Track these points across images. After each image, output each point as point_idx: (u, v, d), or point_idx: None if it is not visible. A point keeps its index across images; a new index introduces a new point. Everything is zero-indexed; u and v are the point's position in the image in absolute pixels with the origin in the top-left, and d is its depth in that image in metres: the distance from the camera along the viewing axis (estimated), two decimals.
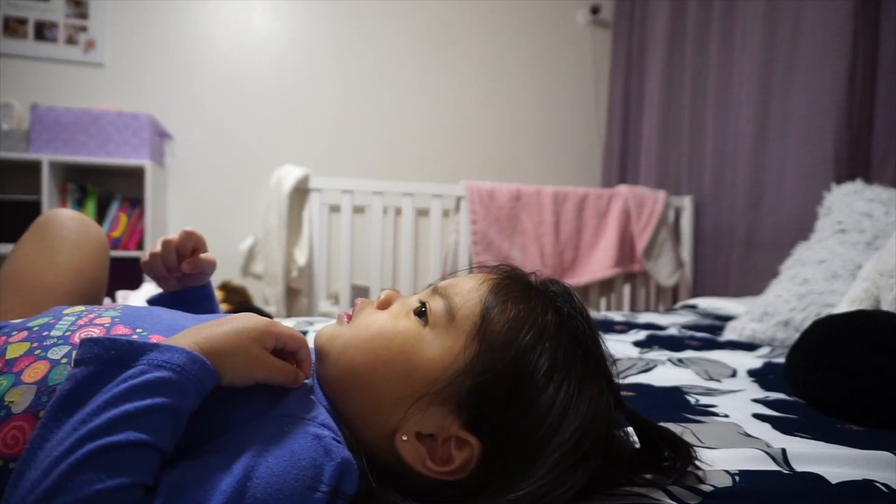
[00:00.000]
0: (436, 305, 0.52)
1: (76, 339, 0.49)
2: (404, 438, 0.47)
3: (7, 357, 0.48)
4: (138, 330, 0.52)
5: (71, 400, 0.38)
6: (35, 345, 0.49)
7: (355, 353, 0.51)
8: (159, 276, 0.72)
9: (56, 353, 0.48)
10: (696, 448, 0.55)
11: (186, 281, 0.74)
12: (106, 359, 0.40)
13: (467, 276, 0.57)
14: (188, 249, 0.72)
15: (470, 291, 0.52)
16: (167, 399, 0.39)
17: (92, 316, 0.53)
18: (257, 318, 0.48)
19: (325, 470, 0.41)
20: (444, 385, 0.47)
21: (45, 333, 0.50)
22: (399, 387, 0.49)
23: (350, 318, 0.55)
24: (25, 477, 0.34)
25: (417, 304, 0.53)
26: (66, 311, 0.55)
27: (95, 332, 0.50)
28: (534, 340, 0.48)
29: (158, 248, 0.70)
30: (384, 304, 0.55)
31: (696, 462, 0.54)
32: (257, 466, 0.39)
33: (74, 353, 0.47)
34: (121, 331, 0.51)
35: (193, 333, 0.45)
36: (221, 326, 0.46)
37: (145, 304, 0.74)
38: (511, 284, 0.53)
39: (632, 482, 0.52)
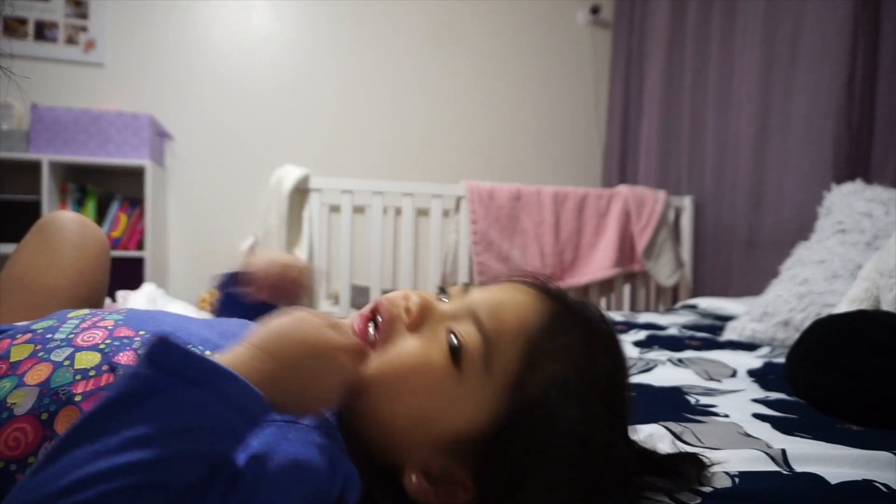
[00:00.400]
0: (472, 343, 0.46)
1: (79, 341, 0.49)
2: (413, 479, 0.46)
3: (11, 360, 0.47)
4: (141, 332, 0.51)
5: (126, 403, 0.33)
6: (38, 347, 0.48)
7: (378, 389, 0.46)
8: (259, 287, 0.72)
9: (59, 356, 0.47)
10: (704, 456, 0.55)
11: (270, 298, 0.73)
12: (173, 369, 0.34)
13: (511, 298, 0.50)
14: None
15: (514, 332, 0.47)
16: (223, 447, 0.35)
17: (95, 319, 0.53)
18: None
19: (328, 481, 0.40)
20: (461, 441, 0.46)
21: (49, 336, 0.50)
22: (416, 430, 0.46)
23: (363, 334, 0.49)
24: (46, 469, 0.31)
25: (451, 329, 0.47)
26: (70, 315, 0.54)
27: (99, 335, 0.50)
28: (570, 410, 0.45)
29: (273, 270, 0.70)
30: (416, 324, 0.48)
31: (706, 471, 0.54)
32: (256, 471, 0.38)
33: (77, 354, 0.47)
34: (123, 332, 0.51)
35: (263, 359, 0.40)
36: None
37: (146, 305, 0.74)
38: (559, 327, 0.48)
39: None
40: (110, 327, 0.51)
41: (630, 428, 0.52)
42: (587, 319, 0.51)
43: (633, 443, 0.53)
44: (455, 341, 0.46)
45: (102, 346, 0.48)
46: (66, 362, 0.46)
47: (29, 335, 0.50)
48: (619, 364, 0.51)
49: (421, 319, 0.49)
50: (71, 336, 0.50)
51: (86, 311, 0.56)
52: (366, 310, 0.51)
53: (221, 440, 0.35)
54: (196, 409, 0.34)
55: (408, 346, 0.47)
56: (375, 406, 0.46)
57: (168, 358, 0.34)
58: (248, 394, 0.36)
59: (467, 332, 0.47)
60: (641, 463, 0.52)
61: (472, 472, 0.46)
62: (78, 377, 0.45)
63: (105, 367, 0.46)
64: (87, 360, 0.47)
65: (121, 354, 0.48)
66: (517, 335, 0.47)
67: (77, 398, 0.44)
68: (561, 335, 0.48)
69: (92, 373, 0.46)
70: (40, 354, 0.47)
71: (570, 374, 0.46)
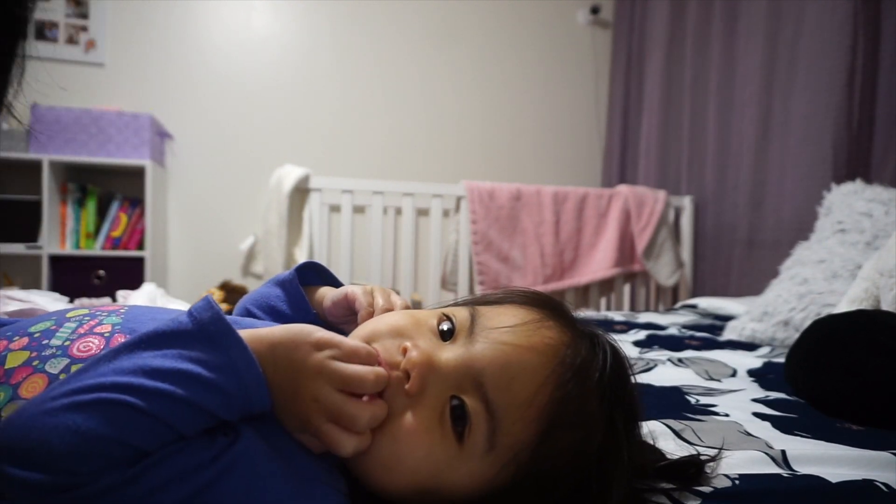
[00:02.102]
0: (477, 422, 0.43)
1: (75, 351, 0.48)
2: None
3: (6, 366, 0.46)
4: None
5: (155, 339, 0.38)
6: (34, 354, 0.47)
7: (375, 459, 0.43)
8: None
9: (54, 367, 0.46)
10: (704, 456, 0.55)
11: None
12: (203, 326, 0.39)
13: (520, 360, 0.44)
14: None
15: (522, 408, 0.43)
16: (213, 407, 0.38)
17: (93, 323, 0.52)
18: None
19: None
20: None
21: (45, 342, 0.49)
22: (416, 496, 0.44)
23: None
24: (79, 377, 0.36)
25: (454, 402, 0.43)
26: (69, 315, 0.53)
27: (95, 342, 0.49)
28: (580, 467, 0.44)
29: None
30: (416, 392, 0.43)
31: (706, 470, 0.54)
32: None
33: (73, 366, 0.46)
34: (119, 341, 0.49)
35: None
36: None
37: (147, 304, 0.73)
38: (574, 392, 0.44)
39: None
40: (107, 334, 0.50)
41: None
42: (605, 368, 0.47)
43: (645, 448, 0.53)
44: (458, 418, 0.43)
45: None
46: (62, 375, 0.46)
47: (26, 339, 0.49)
48: (635, 406, 0.49)
49: (421, 387, 0.43)
50: (67, 343, 0.49)
51: (85, 310, 0.55)
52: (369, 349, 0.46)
53: (216, 406, 0.37)
54: (213, 369, 0.37)
55: (406, 420, 0.43)
56: (373, 473, 0.44)
57: (206, 316, 0.39)
58: (258, 382, 0.39)
59: (474, 410, 0.43)
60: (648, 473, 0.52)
61: None
62: None
63: None
64: None
65: None
66: (529, 408, 0.43)
67: None
68: (578, 402, 0.44)
69: None
70: (35, 364, 0.46)
71: (587, 441, 0.45)
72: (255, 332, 0.42)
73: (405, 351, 0.44)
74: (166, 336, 0.38)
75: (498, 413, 0.43)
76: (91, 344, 0.49)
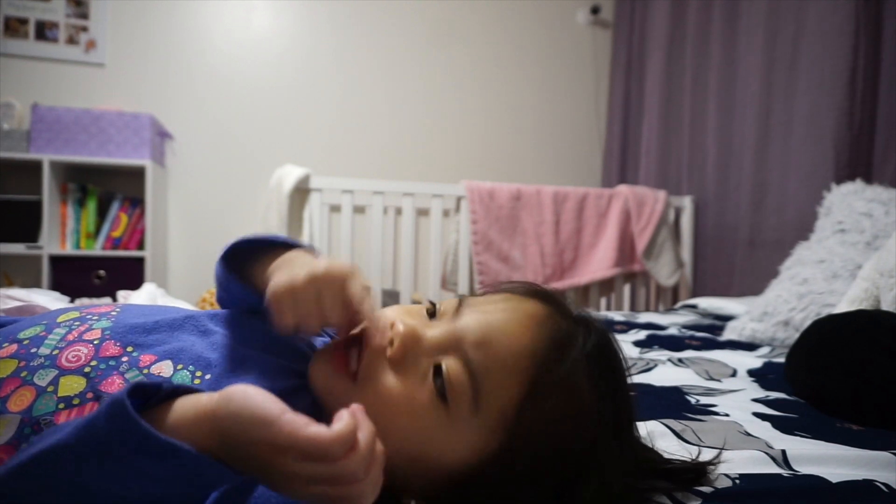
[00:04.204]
0: (458, 381, 0.43)
1: (63, 361, 0.47)
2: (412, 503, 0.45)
3: None
4: (128, 349, 0.49)
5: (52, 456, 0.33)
6: (22, 364, 0.46)
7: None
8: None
9: (42, 379, 0.45)
10: (704, 456, 0.55)
11: None
12: (128, 437, 0.33)
13: (501, 322, 0.46)
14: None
15: (506, 366, 0.44)
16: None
17: (82, 329, 0.50)
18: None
19: None
20: (459, 475, 0.44)
21: (34, 351, 0.47)
22: (408, 465, 0.44)
23: (343, 359, 0.46)
24: None
25: (436, 364, 0.44)
26: (59, 319, 0.51)
27: (84, 351, 0.48)
28: (568, 442, 0.44)
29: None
30: (399, 358, 0.45)
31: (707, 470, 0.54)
32: None
33: (61, 378, 0.45)
34: (110, 350, 0.48)
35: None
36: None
37: (147, 304, 0.71)
38: (557, 355, 0.45)
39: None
40: (96, 341, 0.49)
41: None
42: (588, 339, 0.48)
43: (645, 448, 0.52)
44: (440, 380, 0.44)
45: (87, 370, 0.46)
46: (50, 388, 0.45)
47: (15, 346, 0.48)
48: (623, 384, 0.49)
49: (403, 353, 0.45)
50: (55, 353, 0.47)
51: (76, 313, 0.53)
52: (355, 331, 0.47)
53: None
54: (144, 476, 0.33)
55: (389, 384, 0.44)
56: None
57: (124, 426, 0.33)
58: (200, 468, 0.33)
59: (453, 369, 0.44)
60: (648, 472, 0.52)
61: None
62: (61, 406, 0.44)
63: (90, 395, 0.45)
64: (72, 386, 0.45)
65: (106, 381, 0.46)
66: (510, 369, 0.44)
67: None
68: (560, 365, 0.44)
69: (76, 401, 0.44)
70: (23, 375, 0.45)
71: (572, 408, 0.44)
72: (192, 418, 0.36)
73: (394, 326, 0.46)
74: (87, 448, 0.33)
75: (478, 373, 0.43)
76: (80, 353, 0.47)
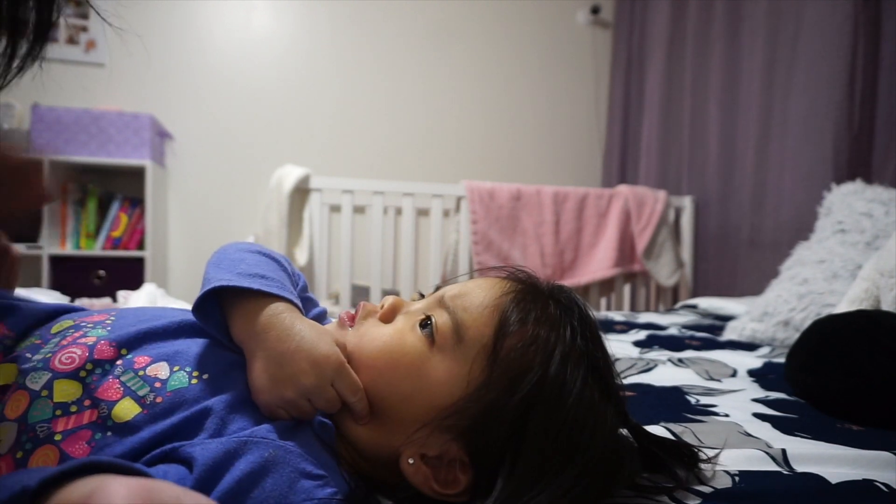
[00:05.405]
0: (442, 322, 0.49)
1: (56, 363, 0.46)
2: (410, 461, 0.46)
3: None
4: (122, 351, 0.48)
5: None
6: (16, 367, 0.45)
7: (358, 366, 0.48)
8: None
9: (36, 382, 0.44)
10: (702, 451, 0.55)
11: None
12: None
13: (476, 282, 0.53)
14: None
15: (480, 308, 0.49)
16: None
17: (77, 335, 0.49)
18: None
19: None
20: (449, 413, 0.46)
21: (28, 355, 0.46)
22: (403, 409, 0.47)
23: (352, 318, 0.53)
24: None
25: (423, 317, 0.50)
26: (53, 330, 0.50)
27: (78, 353, 0.47)
28: (551, 369, 0.46)
29: None
30: (389, 316, 0.52)
31: (702, 466, 0.54)
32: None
33: (55, 381, 0.44)
34: (106, 353, 0.47)
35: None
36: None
37: (147, 304, 0.71)
38: (526, 299, 0.50)
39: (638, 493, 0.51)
40: (91, 344, 0.48)
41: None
42: (557, 296, 0.52)
43: (629, 418, 0.53)
44: (425, 319, 0.49)
45: (83, 374, 0.45)
46: (45, 392, 0.44)
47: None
48: (593, 330, 0.51)
49: (392, 312, 0.52)
50: (49, 356, 0.46)
51: (69, 322, 0.51)
52: (345, 314, 0.54)
53: None
54: None
55: (382, 330, 0.51)
56: (360, 375, 0.48)
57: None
58: None
59: (438, 317, 0.49)
60: (638, 440, 0.52)
61: (467, 450, 0.46)
62: (58, 412, 0.43)
63: (87, 403, 0.44)
64: (68, 391, 0.44)
65: (102, 387, 0.45)
66: (485, 309, 0.49)
67: (57, 437, 0.42)
68: (531, 305, 0.49)
69: (73, 408, 0.43)
70: (17, 378, 0.45)
71: (545, 333, 0.48)
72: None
73: (384, 300, 0.53)
74: None
75: (458, 314, 0.49)
76: (73, 354, 0.46)
